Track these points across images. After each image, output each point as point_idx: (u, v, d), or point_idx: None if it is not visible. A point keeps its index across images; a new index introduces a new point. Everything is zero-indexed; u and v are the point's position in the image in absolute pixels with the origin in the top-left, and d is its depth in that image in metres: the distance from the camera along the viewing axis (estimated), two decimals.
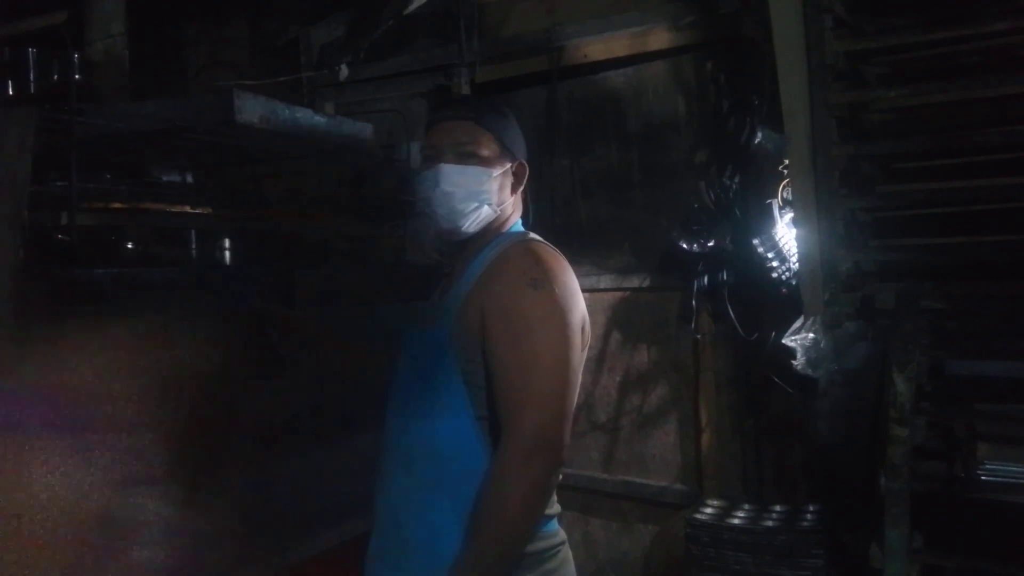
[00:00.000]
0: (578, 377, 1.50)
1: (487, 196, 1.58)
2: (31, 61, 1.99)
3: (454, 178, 1.55)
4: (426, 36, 3.46)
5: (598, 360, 3.21)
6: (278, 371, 1.88)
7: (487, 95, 3.39)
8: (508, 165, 1.62)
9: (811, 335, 2.25)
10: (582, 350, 1.54)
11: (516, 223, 1.68)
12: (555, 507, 1.55)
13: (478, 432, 1.48)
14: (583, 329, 1.54)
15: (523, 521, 1.40)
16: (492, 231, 1.63)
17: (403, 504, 1.52)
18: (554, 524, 1.56)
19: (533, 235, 1.66)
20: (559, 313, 1.46)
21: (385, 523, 1.56)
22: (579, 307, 1.52)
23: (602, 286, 3.20)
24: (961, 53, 2.09)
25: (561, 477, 1.51)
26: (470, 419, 1.47)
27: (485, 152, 1.58)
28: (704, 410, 2.97)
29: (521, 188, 1.66)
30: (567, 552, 1.57)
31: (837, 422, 2.29)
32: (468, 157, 1.57)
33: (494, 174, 1.58)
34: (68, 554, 1.49)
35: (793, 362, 2.29)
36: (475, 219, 1.59)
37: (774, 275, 2.65)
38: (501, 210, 1.62)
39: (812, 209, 2.25)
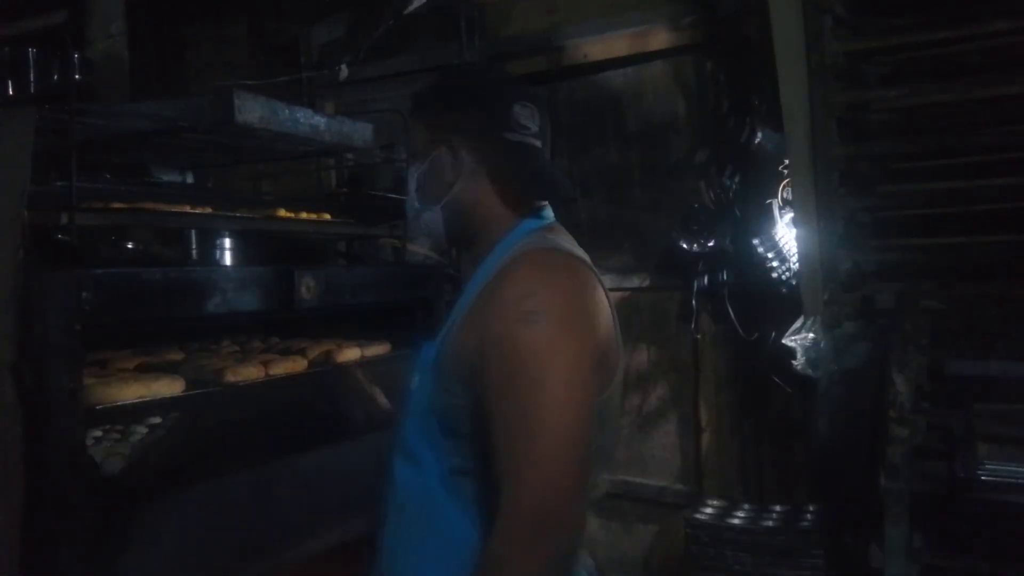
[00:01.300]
0: (592, 425, 1.16)
1: (424, 197, 1.34)
2: (31, 61, 1.98)
3: (407, 187, 1.38)
4: (426, 36, 3.47)
5: None
6: None
7: None
8: (439, 149, 1.31)
9: (811, 335, 2.25)
10: (609, 380, 1.24)
11: (532, 216, 1.34)
12: (577, 565, 1.28)
13: (448, 489, 1.22)
14: (606, 356, 1.22)
15: None
16: (481, 230, 1.32)
17: (403, 557, 1.31)
18: None
19: (547, 235, 1.31)
20: (562, 353, 1.13)
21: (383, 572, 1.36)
22: (594, 335, 1.19)
23: None
24: (961, 53, 2.09)
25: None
26: (436, 473, 1.23)
27: (415, 148, 1.36)
28: (704, 410, 2.97)
29: (467, 166, 1.30)
30: None
31: (837, 422, 2.29)
32: (413, 159, 1.36)
33: (421, 169, 1.33)
34: None
35: (793, 362, 2.29)
36: (428, 224, 1.35)
37: (774, 275, 2.65)
38: (458, 203, 1.31)
39: (812, 209, 2.25)
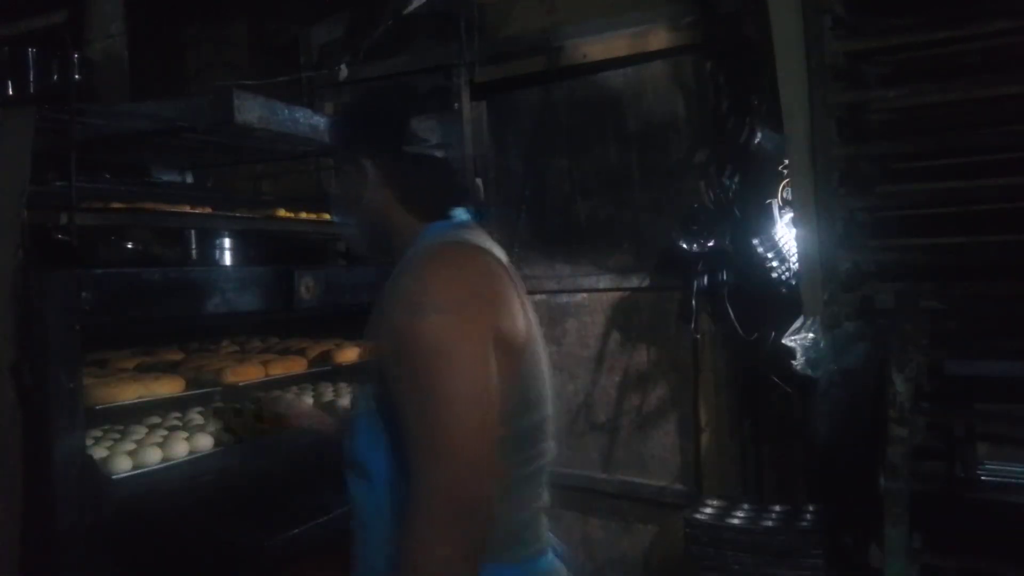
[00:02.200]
0: (495, 407, 1.18)
1: (341, 214, 1.44)
2: (31, 61, 1.98)
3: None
4: (426, 36, 3.47)
5: (598, 360, 3.21)
6: None
7: (486, 95, 3.39)
8: (346, 166, 1.39)
9: (811, 335, 2.25)
10: (520, 364, 1.26)
11: (442, 219, 1.37)
12: (544, 540, 1.34)
13: (395, 498, 1.22)
14: (511, 340, 1.23)
15: None
16: (398, 238, 1.38)
17: (376, 566, 1.29)
18: (549, 561, 1.33)
19: (451, 232, 1.35)
20: (455, 339, 1.15)
21: None
22: (490, 320, 1.21)
23: (602, 286, 3.20)
24: (961, 53, 2.09)
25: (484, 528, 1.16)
26: (384, 482, 1.24)
27: (335, 167, 1.49)
28: (703, 410, 2.97)
29: (372, 180, 1.35)
30: None
31: (837, 422, 2.29)
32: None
33: (336, 187, 1.43)
34: None
35: (793, 362, 2.29)
36: (351, 239, 1.46)
37: (774, 275, 2.65)
38: (372, 216, 1.37)
39: (812, 209, 2.25)
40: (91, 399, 1.75)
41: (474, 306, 1.20)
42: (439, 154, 1.41)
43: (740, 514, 2.53)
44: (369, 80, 3.52)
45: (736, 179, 2.77)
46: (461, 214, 1.40)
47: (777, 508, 2.56)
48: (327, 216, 2.52)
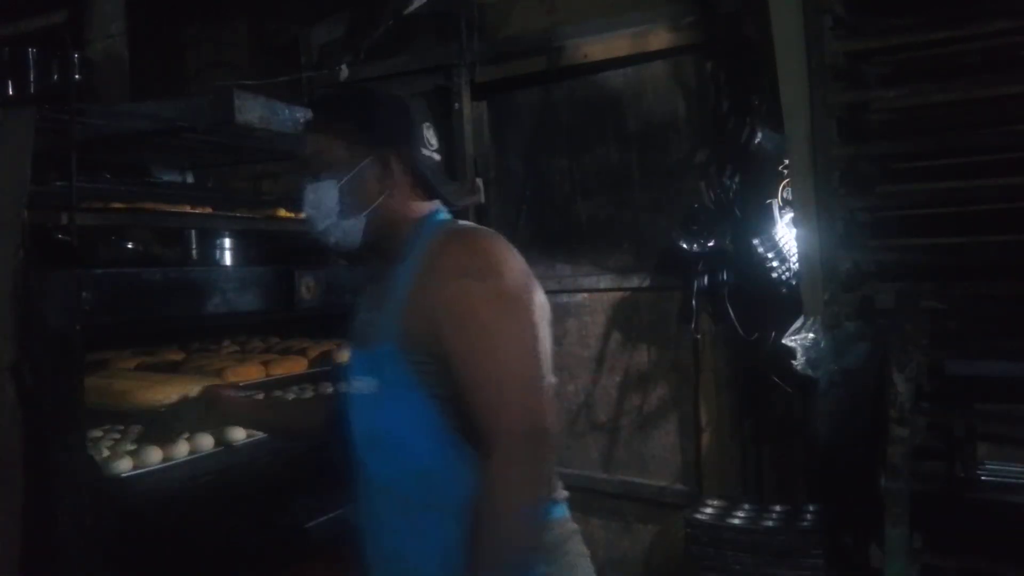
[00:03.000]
0: (548, 356, 1.37)
1: (346, 207, 1.43)
2: (31, 61, 1.98)
3: (310, 197, 1.46)
4: (426, 36, 3.47)
5: (598, 360, 3.21)
6: None
7: (486, 95, 3.39)
8: (365, 160, 1.43)
9: (811, 335, 2.25)
10: (544, 314, 1.41)
11: (436, 212, 1.50)
12: (560, 492, 1.49)
13: (462, 445, 1.35)
14: (542, 305, 1.41)
15: (527, 527, 1.29)
16: (401, 230, 1.46)
17: (402, 540, 1.41)
18: (562, 510, 1.49)
19: (461, 222, 1.51)
20: (512, 300, 1.33)
21: (386, 562, 1.45)
22: (532, 284, 1.39)
23: (602, 286, 3.20)
24: (961, 53, 2.09)
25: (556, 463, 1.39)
26: (449, 433, 1.36)
27: (330, 160, 1.44)
28: (704, 410, 2.97)
29: (396, 176, 1.45)
30: (578, 541, 1.51)
31: (837, 422, 2.29)
32: (320, 170, 1.45)
33: (344, 179, 1.43)
34: None
35: (793, 362, 2.29)
36: (347, 232, 1.45)
37: (774, 275, 2.65)
38: (383, 209, 1.44)
39: (812, 209, 2.26)
40: (133, 400, 1.77)
41: (520, 269, 1.38)
42: (438, 158, 1.52)
43: (740, 514, 2.53)
44: (369, 80, 3.53)
45: (736, 179, 2.77)
46: (445, 209, 1.53)
47: (777, 508, 2.56)
48: None
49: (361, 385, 1.44)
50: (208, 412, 1.84)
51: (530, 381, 1.30)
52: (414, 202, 1.47)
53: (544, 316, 1.41)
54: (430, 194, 1.49)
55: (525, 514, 1.28)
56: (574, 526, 1.51)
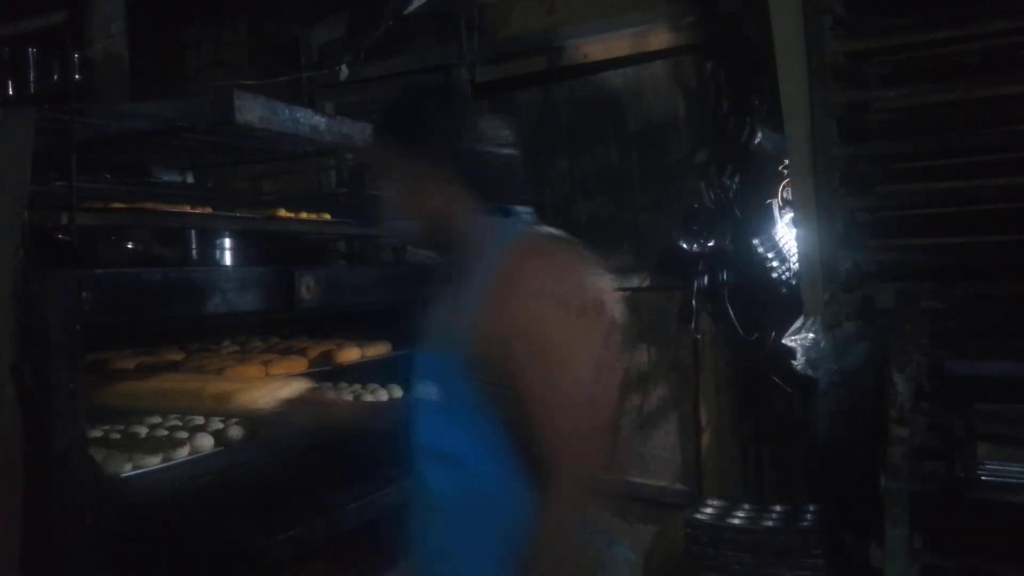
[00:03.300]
0: (619, 381, 1.39)
1: (401, 210, 1.44)
2: (31, 61, 1.98)
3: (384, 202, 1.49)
4: (426, 36, 3.47)
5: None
6: None
7: (486, 94, 3.39)
8: (415, 163, 1.42)
9: (811, 335, 2.25)
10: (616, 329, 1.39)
11: (505, 215, 1.42)
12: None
13: (524, 471, 1.31)
14: (617, 319, 1.38)
15: (577, 566, 1.31)
16: (468, 232, 1.41)
17: (453, 557, 1.38)
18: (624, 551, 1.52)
19: (532, 227, 1.43)
20: (590, 330, 1.30)
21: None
22: (610, 299, 1.37)
23: None
24: (961, 53, 2.09)
25: None
26: (512, 457, 1.32)
27: (389, 164, 1.46)
28: (704, 410, 2.97)
29: (453, 179, 1.39)
30: None
31: (837, 422, 2.29)
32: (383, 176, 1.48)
33: (398, 182, 1.44)
34: None
35: (793, 362, 2.29)
36: (409, 235, 1.50)
37: (774, 275, 2.65)
38: (436, 214, 1.41)
39: (812, 209, 2.25)
40: (236, 403, 1.76)
41: (603, 287, 1.37)
42: (506, 151, 1.44)
43: (740, 514, 2.53)
44: (369, 80, 3.53)
45: (736, 179, 2.77)
46: (520, 209, 1.45)
47: (777, 508, 2.56)
48: (327, 216, 2.52)
49: (426, 391, 1.40)
50: (311, 413, 1.80)
51: (595, 428, 1.30)
52: (473, 202, 1.41)
53: (618, 330, 1.38)
54: (491, 191, 1.42)
55: (575, 553, 1.28)
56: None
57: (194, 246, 2.18)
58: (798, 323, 2.30)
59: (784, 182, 2.56)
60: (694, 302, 2.92)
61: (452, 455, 1.36)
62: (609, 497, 1.40)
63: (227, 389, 1.79)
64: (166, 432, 1.94)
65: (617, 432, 1.38)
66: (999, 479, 2.22)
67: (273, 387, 1.81)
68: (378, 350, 2.43)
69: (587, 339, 1.29)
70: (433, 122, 1.41)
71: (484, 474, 1.34)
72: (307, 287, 2.08)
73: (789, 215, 2.57)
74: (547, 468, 1.26)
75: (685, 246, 2.82)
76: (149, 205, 2.03)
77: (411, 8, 3.21)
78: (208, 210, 2.21)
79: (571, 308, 1.28)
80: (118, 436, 1.92)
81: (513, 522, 1.29)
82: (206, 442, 1.91)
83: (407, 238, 1.49)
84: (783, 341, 2.32)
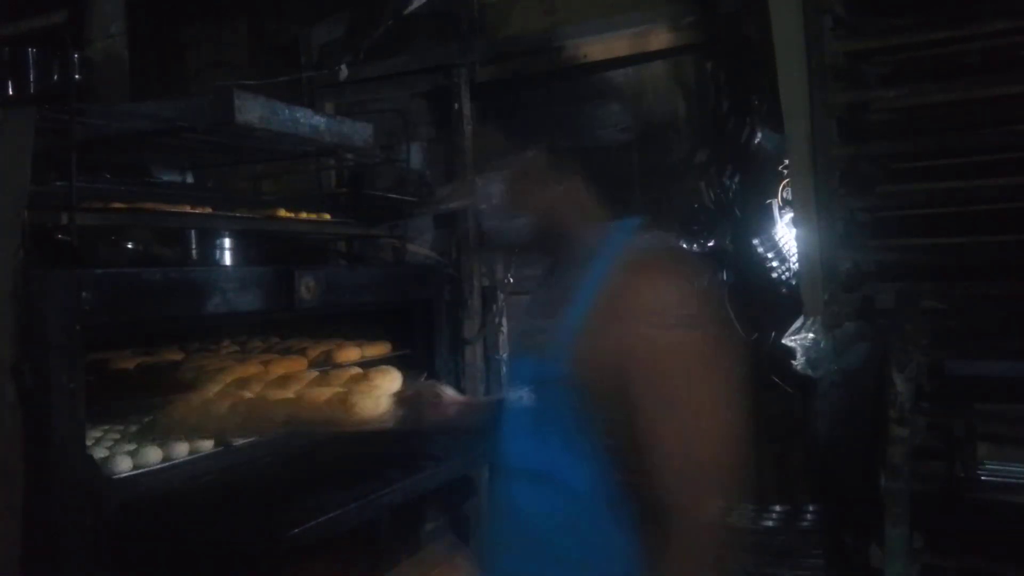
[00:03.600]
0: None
1: (514, 207, 1.34)
2: (31, 61, 1.98)
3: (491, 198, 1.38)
4: (426, 36, 3.46)
5: None
6: None
7: (486, 94, 3.39)
8: (532, 159, 1.33)
9: (811, 335, 2.25)
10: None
11: (619, 218, 1.33)
12: None
13: (626, 502, 1.22)
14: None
15: None
16: (582, 235, 1.31)
17: None
18: None
19: (645, 236, 1.31)
20: (704, 358, 1.21)
21: None
22: (714, 316, 1.29)
23: None
24: (961, 53, 2.09)
25: None
26: (614, 487, 1.22)
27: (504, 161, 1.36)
28: None
29: (572, 176, 1.30)
30: None
31: (837, 422, 2.29)
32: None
33: (512, 177, 1.34)
34: None
35: (793, 362, 2.29)
36: (515, 236, 1.35)
37: (774, 275, 2.65)
38: (550, 214, 1.31)
39: (812, 209, 2.25)
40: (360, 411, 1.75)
41: (710, 301, 1.27)
42: (627, 138, 1.35)
43: (740, 514, 2.53)
44: (369, 80, 3.52)
45: (736, 179, 2.77)
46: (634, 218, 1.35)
47: (777, 508, 2.56)
48: (327, 216, 2.52)
49: (521, 395, 1.31)
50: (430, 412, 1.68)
51: (705, 468, 1.19)
52: (589, 202, 1.31)
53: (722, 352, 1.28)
54: (606, 191, 1.32)
55: None
56: None
57: (194, 246, 2.18)
58: (798, 323, 2.30)
59: (784, 182, 2.56)
60: None
61: (541, 471, 1.26)
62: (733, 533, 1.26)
63: (335, 398, 1.75)
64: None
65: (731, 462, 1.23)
66: (999, 479, 2.22)
67: (384, 384, 1.77)
68: (378, 350, 2.44)
69: (700, 368, 1.20)
70: (546, 107, 1.32)
71: (578, 498, 1.23)
72: (307, 287, 2.08)
73: (789, 215, 2.57)
74: (666, 506, 1.16)
75: (685, 246, 2.82)
76: (149, 205, 2.03)
77: (411, 8, 3.21)
78: (208, 210, 2.21)
79: (694, 334, 1.19)
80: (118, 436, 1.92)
81: (607, 557, 1.20)
82: (206, 442, 1.91)
83: (512, 239, 1.35)
84: (783, 341, 2.32)
